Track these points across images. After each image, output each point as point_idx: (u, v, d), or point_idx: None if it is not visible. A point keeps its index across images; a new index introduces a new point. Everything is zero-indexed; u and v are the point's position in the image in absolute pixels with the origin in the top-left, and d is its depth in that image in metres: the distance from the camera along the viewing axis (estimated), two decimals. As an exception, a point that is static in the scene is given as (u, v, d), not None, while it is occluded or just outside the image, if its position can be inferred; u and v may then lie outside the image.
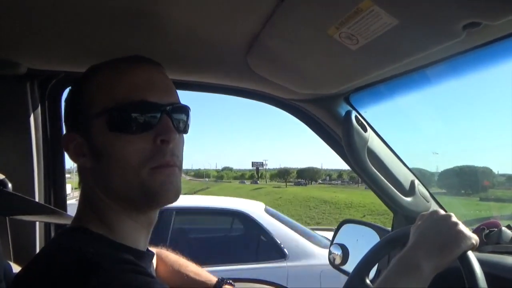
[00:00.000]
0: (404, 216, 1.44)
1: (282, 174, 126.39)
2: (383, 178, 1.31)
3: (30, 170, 1.36)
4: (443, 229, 0.93)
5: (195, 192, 66.62)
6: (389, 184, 1.33)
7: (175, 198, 0.81)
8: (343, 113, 1.31)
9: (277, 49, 1.08)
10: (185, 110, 0.87)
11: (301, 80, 1.29)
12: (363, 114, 1.41)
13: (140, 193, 0.78)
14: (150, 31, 1.04)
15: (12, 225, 1.31)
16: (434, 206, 1.43)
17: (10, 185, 1.23)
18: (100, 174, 0.81)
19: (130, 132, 0.77)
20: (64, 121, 0.89)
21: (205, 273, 1.25)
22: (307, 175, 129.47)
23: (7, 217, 1.29)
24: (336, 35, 0.88)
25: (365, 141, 1.26)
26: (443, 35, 0.82)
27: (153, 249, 1.29)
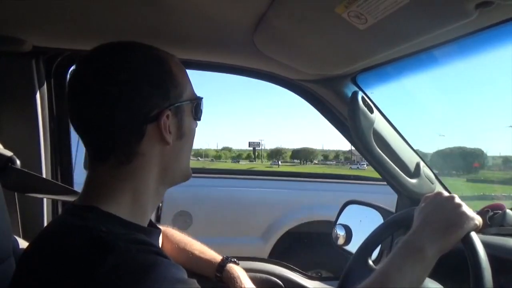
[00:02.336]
0: (408, 197, 1.45)
1: (275, 154, 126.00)
2: (388, 160, 1.31)
3: (37, 147, 1.37)
4: (446, 210, 0.93)
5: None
6: (394, 166, 1.33)
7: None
8: (350, 94, 1.30)
9: (284, 29, 1.07)
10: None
11: (308, 60, 1.28)
12: (369, 95, 1.40)
13: (187, 169, 0.91)
14: (156, 10, 1.03)
15: (21, 201, 1.32)
16: (438, 188, 1.44)
17: (18, 161, 1.24)
18: (173, 153, 0.85)
19: (200, 120, 0.91)
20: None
21: (210, 252, 1.27)
22: (302, 156, 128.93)
23: (15, 193, 1.30)
24: (345, 13, 0.87)
25: (371, 122, 1.26)
26: (454, 15, 0.80)
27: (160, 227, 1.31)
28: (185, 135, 0.87)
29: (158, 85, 0.83)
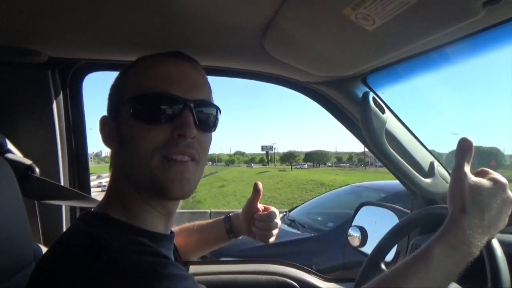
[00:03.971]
0: (423, 197, 1.44)
1: (288, 158, 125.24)
2: (401, 160, 1.31)
3: (55, 155, 1.40)
4: (496, 197, 0.84)
5: (204, 176, 67.28)
6: (408, 166, 1.32)
7: (185, 195, 0.82)
8: (361, 95, 1.30)
9: (293, 32, 1.07)
10: (211, 108, 0.88)
11: (317, 62, 1.28)
12: (380, 96, 1.40)
13: (150, 183, 0.80)
14: (167, 17, 1.04)
15: (41, 209, 1.35)
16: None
17: (37, 170, 1.27)
18: (122, 160, 0.84)
19: (150, 122, 0.80)
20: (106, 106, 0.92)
21: (212, 220, 1.39)
22: (314, 158, 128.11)
23: (36, 201, 1.33)
24: (352, 16, 0.87)
25: (383, 122, 1.26)
26: (461, 13, 0.80)
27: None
28: (125, 140, 0.82)
29: (111, 92, 0.90)
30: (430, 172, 1.40)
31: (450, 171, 1.46)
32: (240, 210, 1.34)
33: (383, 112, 1.26)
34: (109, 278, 0.63)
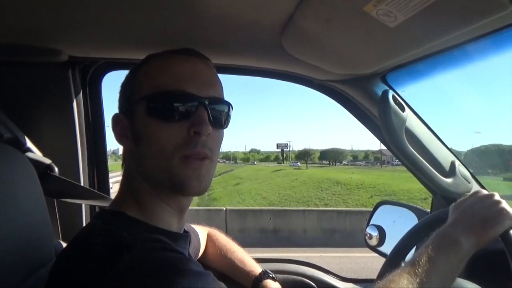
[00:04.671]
0: (443, 197, 1.41)
1: (303, 156, 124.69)
2: (421, 159, 1.28)
3: (75, 155, 1.42)
4: (485, 206, 0.92)
5: (219, 174, 67.44)
6: (428, 165, 1.30)
7: (201, 191, 0.83)
8: (380, 93, 1.28)
9: (312, 29, 1.06)
10: (224, 105, 0.89)
11: (336, 60, 1.27)
12: (400, 94, 1.38)
13: (168, 179, 0.81)
14: (185, 16, 1.05)
15: (60, 207, 1.38)
16: (475, 187, 1.40)
17: (56, 169, 1.29)
18: (138, 157, 0.85)
19: (165, 120, 0.81)
20: (118, 104, 0.93)
21: (251, 263, 1.29)
22: (330, 156, 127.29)
23: (55, 199, 1.35)
24: (373, 12, 0.86)
25: (402, 121, 1.24)
26: (488, 9, 0.78)
27: (205, 229, 1.34)
28: (141, 138, 0.83)
29: (123, 90, 0.90)
30: (451, 172, 1.38)
31: (471, 170, 1.44)
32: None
33: (403, 110, 1.24)
34: (132, 275, 0.64)
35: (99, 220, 0.82)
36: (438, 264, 0.82)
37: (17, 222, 0.89)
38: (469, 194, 1.00)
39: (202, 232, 1.33)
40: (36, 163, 1.21)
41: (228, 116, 0.90)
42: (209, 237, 1.35)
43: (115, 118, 0.89)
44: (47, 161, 1.32)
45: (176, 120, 0.81)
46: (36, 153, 1.34)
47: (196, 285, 0.65)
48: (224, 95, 0.90)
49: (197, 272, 0.68)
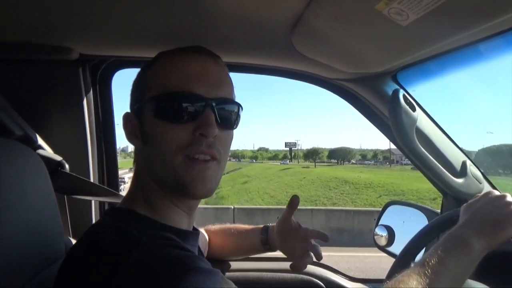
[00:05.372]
0: (454, 198, 1.40)
1: (311, 155, 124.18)
2: (432, 159, 1.27)
3: (85, 152, 1.43)
4: (496, 207, 0.91)
5: (227, 172, 67.54)
6: (439, 165, 1.29)
7: (207, 193, 0.83)
8: (390, 92, 1.27)
9: (322, 28, 1.06)
10: (233, 105, 0.87)
11: (347, 59, 1.26)
12: (411, 93, 1.36)
13: (173, 181, 0.81)
14: (196, 14, 1.05)
15: (70, 204, 1.39)
16: (487, 188, 1.38)
17: (67, 166, 1.30)
18: (146, 157, 0.85)
19: (172, 121, 0.80)
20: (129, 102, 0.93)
21: (251, 227, 1.37)
22: (339, 155, 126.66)
23: (65, 196, 1.37)
24: (385, 10, 0.85)
25: (413, 120, 1.23)
26: (504, 6, 0.77)
27: (201, 229, 1.36)
28: (148, 138, 0.83)
29: (134, 89, 0.90)
30: (462, 172, 1.36)
31: (483, 171, 1.42)
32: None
33: (413, 110, 1.23)
34: (140, 273, 0.64)
35: (109, 217, 0.83)
36: (448, 266, 0.80)
37: (27, 219, 0.90)
38: (480, 195, 0.98)
39: (202, 231, 1.36)
40: (47, 160, 1.22)
41: (237, 116, 0.88)
42: (208, 232, 1.38)
43: (126, 117, 0.89)
44: (58, 158, 1.33)
45: (183, 121, 0.80)
46: (47, 150, 1.35)
47: (204, 283, 0.65)
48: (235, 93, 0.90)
49: (206, 270, 0.68)
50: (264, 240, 1.30)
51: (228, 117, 0.86)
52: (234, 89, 0.91)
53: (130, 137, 0.88)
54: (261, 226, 1.34)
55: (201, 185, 0.81)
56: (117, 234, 0.72)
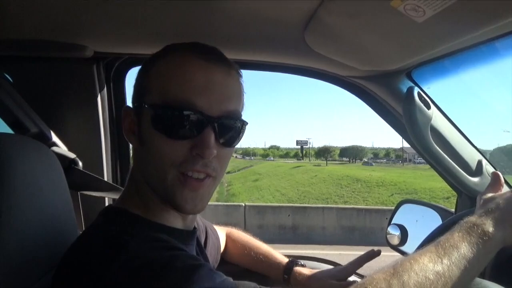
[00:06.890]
0: (469, 197, 1.37)
1: (323, 153, 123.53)
2: (447, 157, 1.25)
3: (98, 149, 1.45)
4: None
5: (238, 170, 67.61)
6: (454, 164, 1.27)
7: (196, 212, 0.83)
8: (405, 90, 1.25)
9: (336, 25, 1.05)
10: (237, 121, 0.82)
11: (361, 56, 1.25)
12: (426, 91, 1.34)
13: (164, 194, 0.79)
14: (209, 12, 1.05)
15: (83, 200, 1.40)
16: (504, 187, 1.36)
17: (80, 163, 1.32)
18: (141, 158, 0.84)
19: (169, 135, 0.77)
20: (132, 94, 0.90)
21: (277, 254, 1.30)
22: (351, 154, 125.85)
23: (79, 193, 1.38)
24: (401, 7, 0.84)
25: (428, 118, 1.21)
26: None
27: (223, 229, 1.35)
28: (145, 143, 0.80)
29: (136, 84, 0.87)
30: (477, 171, 1.34)
31: (499, 170, 1.40)
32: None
33: (428, 107, 1.22)
34: (127, 275, 0.64)
35: (103, 218, 0.82)
36: (462, 253, 0.74)
37: (42, 214, 0.91)
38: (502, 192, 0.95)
39: (221, 232, 1.33)
40: (61, 157, 1.24)
41: (240, 132, 0.84)
42: (229, 236, 1.35)
43: (125, 112, 0.86)
44: (72, 155, 1.35)
45: (180, 138, 0.77)
46: (61, 148, 1.37)
47: (191, 279, 0.64)
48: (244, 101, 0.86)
49: (192, 265, 0.67)
50: (285, 279, 1.24)
51: (230, 135, 0.81)
52: (244, 96, 0.86)
53: (127, 132, 0.86)
54: (285, 261, 1.26)
55: (191, 205, 0.79)
56: (107, 237, 0.72)
